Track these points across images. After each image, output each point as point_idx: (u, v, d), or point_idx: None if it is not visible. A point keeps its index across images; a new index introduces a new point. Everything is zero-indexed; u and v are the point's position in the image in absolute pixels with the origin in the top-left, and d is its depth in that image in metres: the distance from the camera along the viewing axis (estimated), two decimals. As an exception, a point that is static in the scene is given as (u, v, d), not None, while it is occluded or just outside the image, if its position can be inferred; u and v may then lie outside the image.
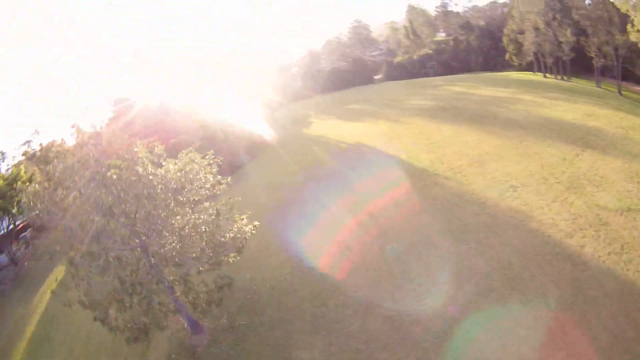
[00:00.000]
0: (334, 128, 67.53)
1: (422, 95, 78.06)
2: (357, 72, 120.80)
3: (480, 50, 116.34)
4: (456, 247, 31.34)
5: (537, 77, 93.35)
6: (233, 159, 60.53)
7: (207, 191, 28.08)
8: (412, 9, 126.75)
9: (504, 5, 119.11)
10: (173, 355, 27.09)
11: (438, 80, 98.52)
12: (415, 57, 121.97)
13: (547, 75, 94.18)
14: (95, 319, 23.63)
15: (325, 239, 36.33)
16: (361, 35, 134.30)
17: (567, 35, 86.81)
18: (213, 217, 26.82)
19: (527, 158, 42.24)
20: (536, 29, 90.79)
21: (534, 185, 37.06)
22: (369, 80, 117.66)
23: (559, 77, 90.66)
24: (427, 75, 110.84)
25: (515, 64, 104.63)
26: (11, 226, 58.50)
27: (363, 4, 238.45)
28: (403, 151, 49.91)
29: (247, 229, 28.38)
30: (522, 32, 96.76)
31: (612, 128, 47.12)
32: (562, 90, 76.01)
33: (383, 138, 55.67)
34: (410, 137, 54.07)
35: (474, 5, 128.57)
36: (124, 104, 74.24)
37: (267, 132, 70.70)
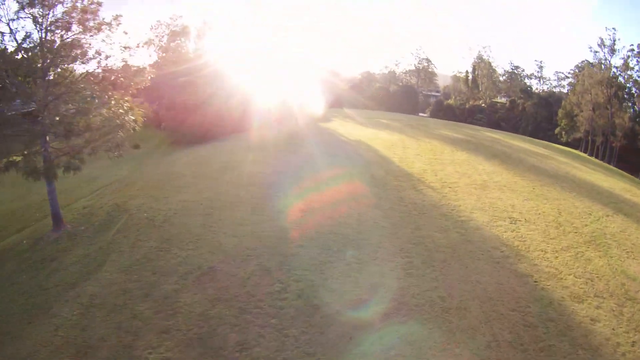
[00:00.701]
0: (347, 128, 56.52)
1: (454, 130, 65.39)
2: (404, 99, 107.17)
3: (532, 119, 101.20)
4: (391, 259, 18.46)
5: (581, 154, 78.10)
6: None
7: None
8: (480, 59, 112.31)
9: (570, 85, 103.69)
10: (24, 241, 23.05)
11: (479, 127, 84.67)
12: (467, 105, 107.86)
13: (592, 156, 79.09)
14: None
15: (252, 211, 24.68)
16: (421, 68, 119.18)
17: (624, 119, 74.15)
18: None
19: (543, 199, 28.67)
20: (595, 103, 76.95)
21: (541, 226, 23.71)
22: (414, 112, 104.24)
23: (603, 160, 75.62)
24: (472, 124, 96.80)
25: (563, 139, 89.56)
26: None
27: (438, 54, 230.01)
28: (398, 157, 37.69)
29: (121, 110, 23.66)
30: (579, 105, 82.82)
31: None
32: (602, 167, 61.85)
33: (387, 144, 43.69)
34: (416, 150, 41.64)
35: (541, 75, 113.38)
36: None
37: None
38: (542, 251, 20.16)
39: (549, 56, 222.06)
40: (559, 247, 20.96)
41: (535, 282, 17.22)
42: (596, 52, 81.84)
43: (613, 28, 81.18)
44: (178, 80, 55.36)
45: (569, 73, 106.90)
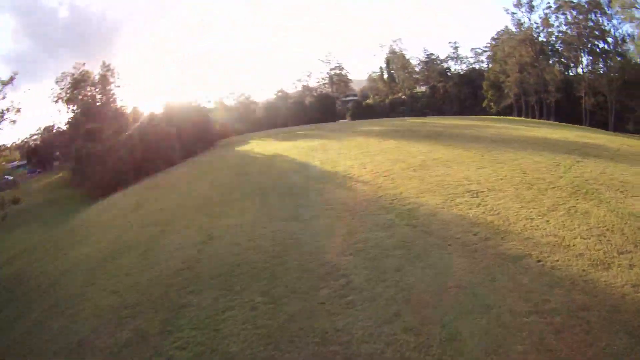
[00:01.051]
0: (264, 146, 53.45)
1: (378, 125, 62.34)
2: (322, 109, 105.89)
3: (457, 99, 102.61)
4: (320, 285, 13.08)
5: (517, 118, 77.28)
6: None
7: None
8: (392, 53, 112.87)
9: (489, 57, 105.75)
10: None
11: (404, 118, 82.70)
12: (387, 101, 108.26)
13: (528, 118, 79.06)
14: None
15: (143, 255, 20.12)
16: (334, 75, 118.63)
17: (555, 72, 75.91)
18: None
19: (498, 163, 24.78)
20: (522, 64, 78.78)
21: (510, 191, 19.36)
22: (333, 120, 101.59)
23: (541, 119, 75.71)
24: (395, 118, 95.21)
25: (493, 110, 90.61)
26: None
27: (350, 60, 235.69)
28: (320, 160, 33.85)
29: None
30: (504, 71, 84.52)
31: (614, 145, 31.82)
32: (544, 123, 61.51)
33: (306, 150, 40.30)
34: (339, 149, 37.79)
35: (458, 55, 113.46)
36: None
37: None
38: (527, 219, 15.54)
39: (463, 36, 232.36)
40: (544, 208, 16.52)
41: (539, 261, 12.38)
42: (514, 13, 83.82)
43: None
44: (84, 130, 56.80)
45: (485, 47, 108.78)
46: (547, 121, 68.21)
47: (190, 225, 21.96)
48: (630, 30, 69.11)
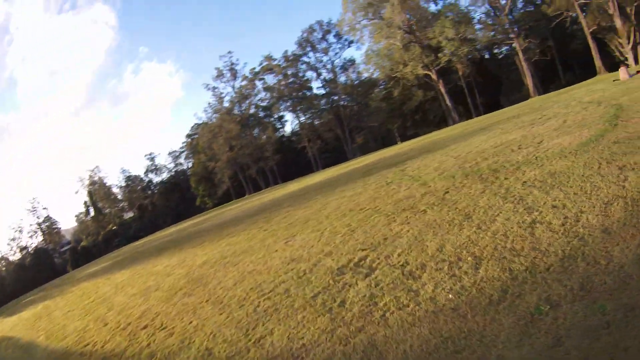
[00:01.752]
0: None
1: (99, 263, 54.32)
2: (42, 266, 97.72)
3: (167, 208, 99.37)
4: None
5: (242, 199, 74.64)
6: None
7: None
8: (92, 184, 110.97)
9: (188, 157, 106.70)
10: None
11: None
12: (100, 237, 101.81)
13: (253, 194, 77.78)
14: None
15: None
16: (45, 228, 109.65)
17: (269, 134, 79.55)
18: None
19: (319, 224, 15.67)
20: (231, 139, 78.96)
21: (410, 231, 10.71)
22: (55, 276, 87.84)
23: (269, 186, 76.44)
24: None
25: (209, 204, 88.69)
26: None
27: (58, 207, 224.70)
28: (45, 331, 22.54)
29: None
30: (213, 157, 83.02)
31: (403, 149, 32.78)
32: (279, 187, 58.44)
33: (30, 322, 29.70)
34: (65, 306, 27.82)
35: (156, 166, 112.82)
36: None
37: None
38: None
39: (158, 145, 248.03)
40: (508, 207, 9.44)
41: None
42: (215, 88, 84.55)
43: (229, 52, 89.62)
44: None
45: (181, 147, 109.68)
46: (277, 185, 66.79)
47: None
48: (351, 56, 75.82)
